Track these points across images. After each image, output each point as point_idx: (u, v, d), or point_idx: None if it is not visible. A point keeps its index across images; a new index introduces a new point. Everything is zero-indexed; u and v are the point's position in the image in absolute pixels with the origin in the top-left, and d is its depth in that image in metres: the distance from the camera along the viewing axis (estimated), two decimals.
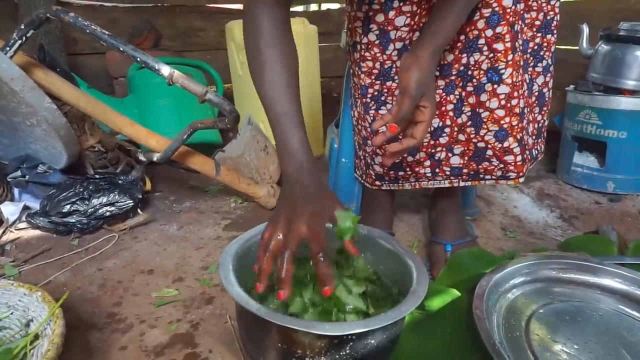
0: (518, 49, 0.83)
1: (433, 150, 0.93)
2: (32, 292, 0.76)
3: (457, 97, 0.87)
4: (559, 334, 0.75)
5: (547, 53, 0.92)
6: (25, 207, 1.29)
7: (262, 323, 0.61)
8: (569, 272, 0.90)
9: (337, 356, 0.62)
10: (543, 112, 0.98)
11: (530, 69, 0.91)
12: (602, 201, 1.44)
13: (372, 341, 0.64)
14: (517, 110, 0.84)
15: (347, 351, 0.62)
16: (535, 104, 0.95)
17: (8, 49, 1.08)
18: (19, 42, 1.09)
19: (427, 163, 0.94)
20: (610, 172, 1.47)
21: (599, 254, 1.00)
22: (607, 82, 1.46)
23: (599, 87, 1.49)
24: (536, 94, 0.94)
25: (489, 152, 0.89)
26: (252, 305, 0.62)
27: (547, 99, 0.97)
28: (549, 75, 0.94)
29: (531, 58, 0.91)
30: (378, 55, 0.87)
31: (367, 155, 1.01)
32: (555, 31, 0.90)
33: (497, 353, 0.67)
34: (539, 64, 0.92)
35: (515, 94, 0.83)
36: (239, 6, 2.82)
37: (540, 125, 0.98)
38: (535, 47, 0.90)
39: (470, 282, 0.89)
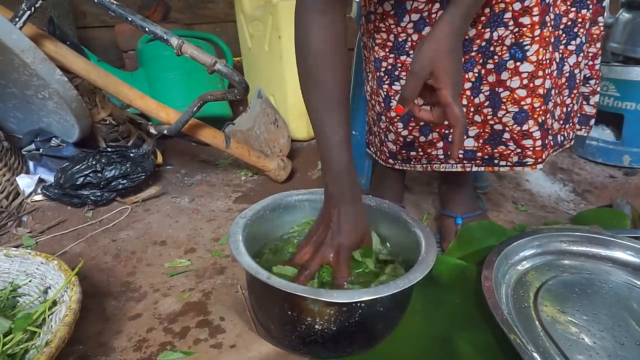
0: (548, 24, 0.76)
1: (447, 131, 0.89)
2: (49, 260, 0.78)
3: (476, 75, 0.82)
4: (568, 305, 0.75)
5: (581, 30, 0.84)
6: (40, 180, 1.31)
7: (271, 291, 0.62)
8: (580, 244, 0.89)
9: (347, 323, 0.63)
10: (573, 95, 0.90)
11: (562, 46, 0.84)
12: (617, 175, 1.42)
13: (381, 309, 0.64)
14: (540, 90, 0.79)
15: (356, 319, 0.63)
16: (564, 86, 0.88)
17: (17, 19, 1.07)
18: (28, 12, 1.08)
19: (440, 144, 0.91)
20: (627, 145, 1.43)
21: (612, 227, 0.99)
22: (627, 52, 1.41)
23: (618, 57, 1.44)
24: (567, 75, 0.88)
25: (506, 135, 0.84)
26: (262, 274, 0.63)
27: (577, 81, 0.90)
28: (581, 55, 0.87)
29: (563, 35, 0.84)
30: (392, 27, 0.84)
31: (381, 131, 0.98)
32: (590, 6, 0.83)
33: (505, 323, 0.67)
34: (572, 42, 0.85)
35: (540, 73, 0.77)
36: None
37: (569, 109, 0.92)
38: (569, 23, 0.83)
39: (480, 254, 0.89)
